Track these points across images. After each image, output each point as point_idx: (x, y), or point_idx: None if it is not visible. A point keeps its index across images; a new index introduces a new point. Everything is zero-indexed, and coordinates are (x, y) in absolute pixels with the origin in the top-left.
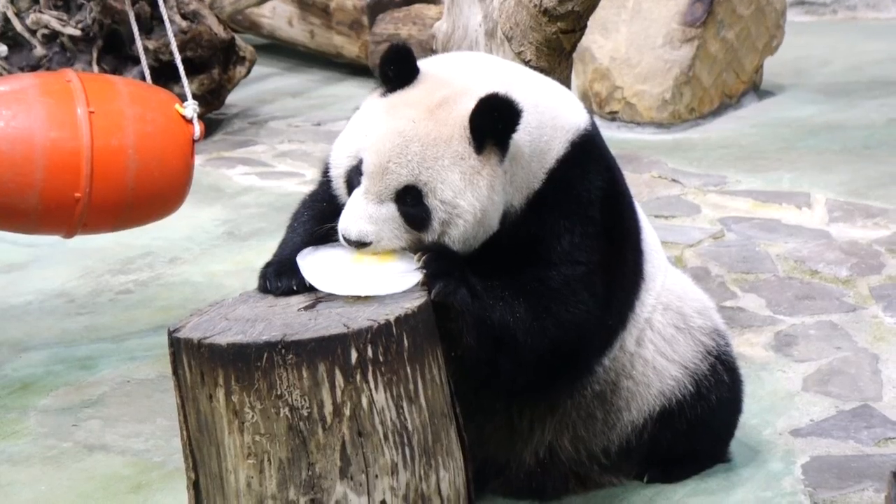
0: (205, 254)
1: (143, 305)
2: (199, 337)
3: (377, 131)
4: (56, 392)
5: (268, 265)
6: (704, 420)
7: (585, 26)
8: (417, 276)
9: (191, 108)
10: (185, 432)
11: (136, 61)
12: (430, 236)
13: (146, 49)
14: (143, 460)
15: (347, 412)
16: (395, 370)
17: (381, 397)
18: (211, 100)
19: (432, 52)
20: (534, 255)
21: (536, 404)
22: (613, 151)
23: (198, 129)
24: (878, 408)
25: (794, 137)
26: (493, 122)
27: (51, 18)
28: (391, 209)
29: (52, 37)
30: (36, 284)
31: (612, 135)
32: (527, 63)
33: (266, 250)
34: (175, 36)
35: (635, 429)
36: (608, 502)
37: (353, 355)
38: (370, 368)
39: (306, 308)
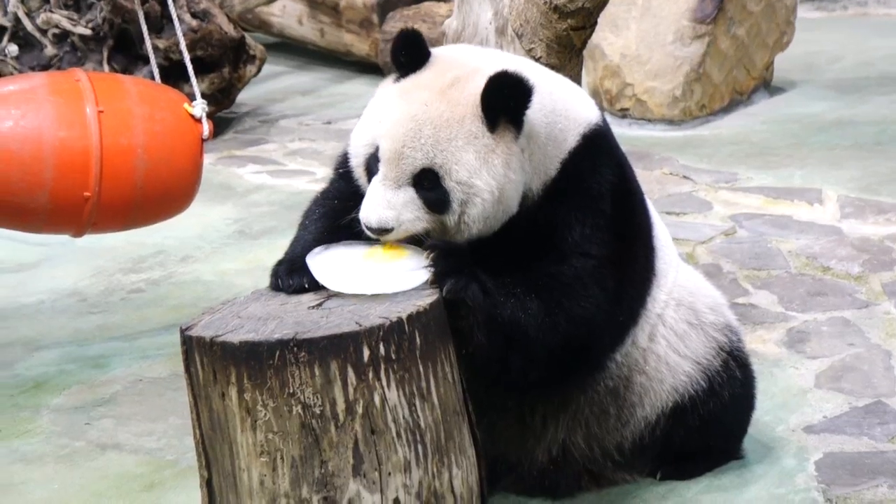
0: (216, 252)
1: (155, 304)
2: (211, 335)
3: (391, 117)
4: (69, 391)
5: (279, 263)
6: (717, 416)
7: (596, 23)
8: (427, 274)
9: (200, 108)
10: (197, 430)
11: (147, 60)
12: (450, 218)
13: (156, 48)
14: (155, 459)
15: (360, 410)
16: (408, 368)
17: (393, 395)
18: (221, 99)
19: None
20: (545, 247)
21: (549, 401)
22: (624, 148)
23: (207, 128)
24: (892, 404)
25: (805, 134)
26: (505, 98)
27: (61, 18)
28: (409, 193)
29: (62, 36)
30: (48, 283)
31: (622, 132)
32: (537, 60)
33: (277, 248)
34: (185, 35)
35: (648, 425)
36: (621, 499)
37: (366, 353)
38: (382, 366)
39: (318, 306)
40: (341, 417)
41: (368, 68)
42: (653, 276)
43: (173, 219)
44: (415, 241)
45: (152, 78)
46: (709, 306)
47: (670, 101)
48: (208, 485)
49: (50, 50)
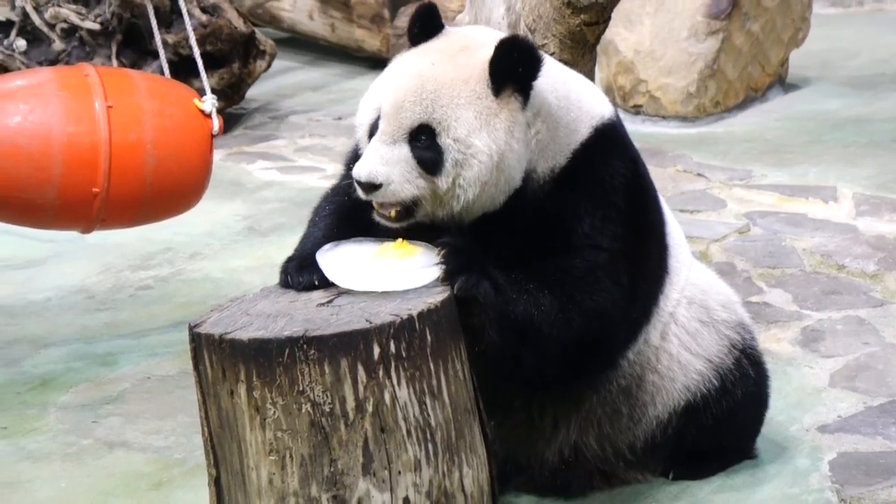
0: (225, 249)
1: (164, 301)
2: (220, 332)
3: (397, 76)
4: (76, 388)
5: (289, 260)
6: (730, 415)
7: (609, 19)
8: (438, 272)
9: (209, 103)
10: (206, 428)
11: (156, 55)
12: (443, 180)
13: (165, 43)
14: (163, 457)
15: (370, 408)
16: (418, 366)
17: (403, 393)
18: (231, 94)
19: None
20: (556, 239)
21: (561, 402)
22: (638, 145)
23: (216, 123)
24: None
25: (820, 131)
26: (513, 64)
27: (70, 12)
28: (404, 150)
29: (70, 31)
30: (55, 280)
31: (636, 129)
32: (550, 56)
33: (287, 245)
34: (195, 30)
35: (660, 424)
36: (633, 499)
37: (376, 350)
38: (393, 364)
39: (328, 303)
40: (351, 415)
41: (379, 64)
42: (666, 274)
43: (182, 215)
44: (426, 237)
45: (162, 73)
46: (721, 304)
47: (684, 97)
48: (216, 483)
49: (58, 45)
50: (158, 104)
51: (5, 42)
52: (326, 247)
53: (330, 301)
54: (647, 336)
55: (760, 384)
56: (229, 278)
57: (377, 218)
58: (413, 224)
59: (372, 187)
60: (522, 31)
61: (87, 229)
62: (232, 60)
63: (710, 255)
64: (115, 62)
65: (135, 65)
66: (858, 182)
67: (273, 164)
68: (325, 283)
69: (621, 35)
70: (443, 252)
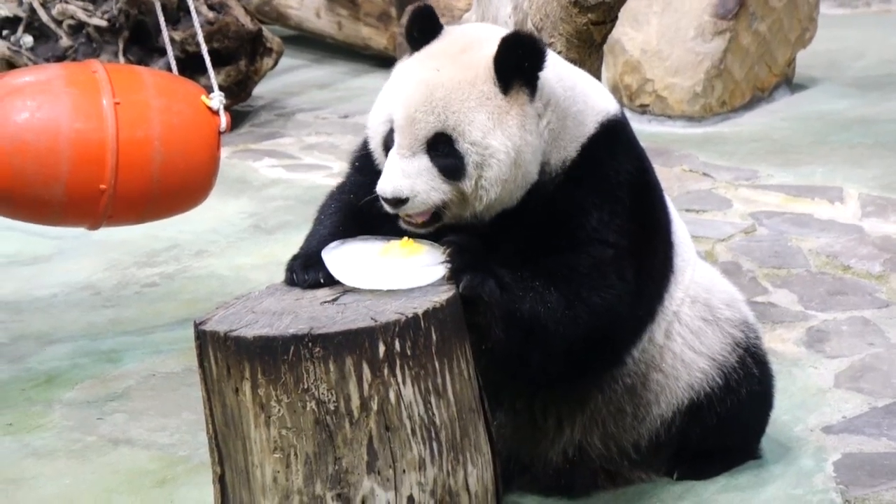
0: (231, 247)
1: (169, 298)
2: (225, 330)
3: (404, 86)
4: (81, 385)
5: (294, 258)
6: (734, 414)
7: (616, 18)
8: (444, 270)
9: (217, 100)
10: (210, 426)
11: (163, 52)
12: (467, 183)
13: (173, 40)
14: (168, 454)
15: (375, 406)
16: (423, 364)
17: (408, 391)
18: (237, 91)
19: None
20: (562, 234)
21: (565, 401)
22: (644, 145)
23: (224, 120)
24: None
25: (826, 131)
26: (519, 59)
27: (77, 9)
28: (424, 161)
29: (77, 28)
30: (61, 277)
31: (642, 128)
32: (557, 55)
33: (293, 243)
34: (202, 27)
35: (664, 422)
36: (638, 499)
37: (381, 349)
38: (398, 362)
39: (333, 301)
40: (356, 414)
41: (386, 62)
42: (671, 273)
43: (188, 212)
44: (431, 236)
45: (169, 70)
46: (725, 302)
47: (691, 97)
48: (221, 481)
49: (65, 41)
50: (166, 101)
51: (12, 38)
52: (332, 245)
53: (335, 299)
54: (652, 335)
55: (765, 383)
56: (235, 276)
57: (403, 226)
58: (439, 227)
59: (399, 202)
60: (529, 30)
61: (94, 226)
62: (239, 58)
63: (716, 255)
64: (122, 59)
65: (142, 62)
66: (864, 183)
67: (279, 161)
68: (331, 281)
69: (628, 34)
70: (448, 251)
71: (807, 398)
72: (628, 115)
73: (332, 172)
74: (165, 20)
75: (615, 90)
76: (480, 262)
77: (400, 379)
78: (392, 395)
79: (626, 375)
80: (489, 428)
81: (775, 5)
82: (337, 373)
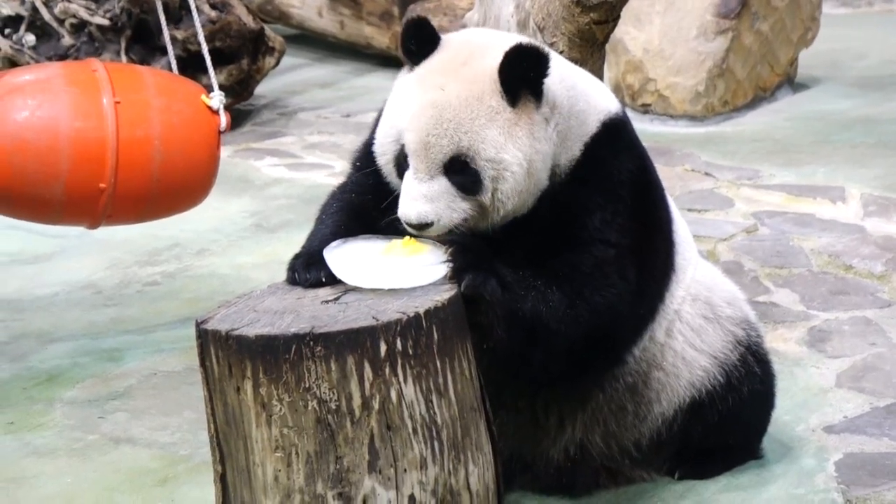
0: (233, 246)
1: (171, 297)
2: (226, 329)
3: (411, 108)
4: (82, 384)
5: (296, 257)
6: (736, 412)
7: (618, 17)
8: (445, 269)
9: (217, 99)
10: (212, 425)
11: (165, 51)
12: (485, 195)
13: (174, 39)
14: (169, 453)
15: (376, 405)
16: (425, 363)
17: (410, 391)
18: (239, 91)
19: None
20: (565, 234)
21: (566, 400)
22: (646, 144)
23: (224, 120)
24: None
25: (828, 131)
26: (524, 71)
27: (79, 8)
28: (443, 183)
29: (80, 26)
30: (62, 275)
31: (644, 127)
32: (559, 54)
33: (294, 242)
34: (203, 26)
35: (665, 421)
36: (639, 498)
37: (382, 348)
38: (399, 361)
39: (335, 300)
40: (357, 413)
41: (388, 61)
42: (672, 272)
43: (189, 211)
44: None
45: (170, 69)
46: (725, 300)
47: (693, 96)
48: (222, 480)
49: (67, 40)
50: (166, 100)
51: (14, 37)
52: (334, 244)
53: (337, 298)
54: (653, 333)
55: (766, 382)
56: (236, 275)
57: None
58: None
59: (423, 226)
60: (531, 29)
61: (93, 225)
62: (241, 57)
63: (718, 255)
64: (123, 58)
65: (143, 61)
66: (866, 182)
67: (281, 160)
68: (333, 281)
69: (630, 34)
70: (450, 250)
71: (808, 398)
72: (630, 114)
73: (333, 171)
74: (167, 19)
75: (617, 90)
76: (482, 261)
77: (401, 378)
78: (393, 395)
79: (627, 374)
80: (490, 427)
81: (778, 5)
82: (338, 372)
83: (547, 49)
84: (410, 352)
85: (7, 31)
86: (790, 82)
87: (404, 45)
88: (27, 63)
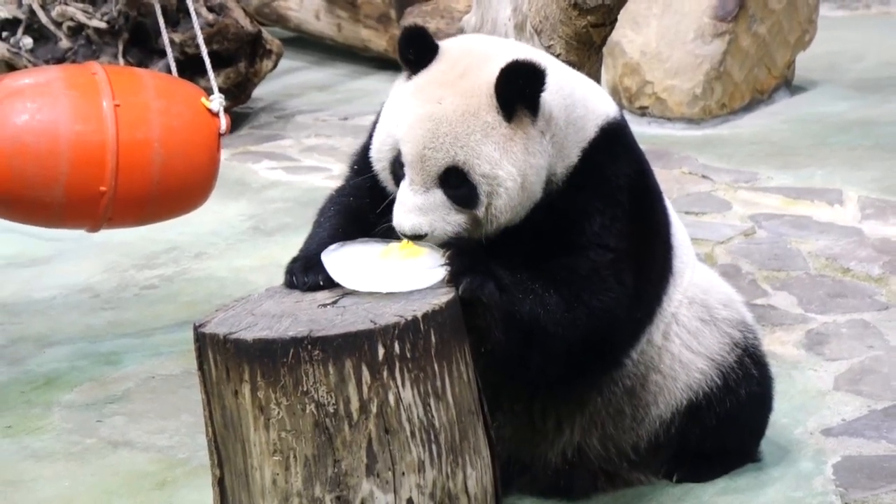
0: (230, 249)
1: (168, 300)
2: (224, 332)
3: (408, 119)
4: (80, 387)
5: (294, 260)
6: (733, 415)
7: (616, 20)
8: (443, 273)
9: (217, 102)
10: (210, 428)
11: (163, 54)
12: (480, 209)
13: (172, 42)
14: (167, 457)
15: (374, 409)
16: (423, 367)
17: (408, 394)
18: (237, 93)
19: None
20: (563, 238)
21: (564, 403)
22: (643, 147)
23: (224, 122)
24: None
25: (826, 133)
26: (520, 87)
27: (76, 11)
28: (438, 195)
29: (77, 29)
30: (60, 279)
31: (642, 130)
32: (556, 57)
33: (292, 245)
34: (201, 29)
35: (663, 423)
36: (637, 501)
37: (380, 351)
38: (397, 365)
39: (333, 304)
40: (355, 416)
41: (386, 64)
42: (670, 275)
43: (188, 214)
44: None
45: (168, 72)
46: (722, 303)
47: (690, 99)
48: (220, 483)
49: (65, 43)
50: (166, 103)
51: (12, 40)
52: (332, 247)
53: (335, 301)
54: (651, 336)
55: (764, 384)
56: (234, 278)
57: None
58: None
59: (417, 237)
60: (529, 32)
61: (93, 228)
62: (238, 60)
63: (715, 258)
64: (121, 61)
65: (141, 63)
66: (864, 185)
67: (279, 163)
68: (330, 284)
69: (627, 37)
70: (448, 253)
71: (806, 401)
72: (628, 117)
73: (331, 174)
74: (165, 22)
75: (615, 92)
76: (480, 264)
77: (399, 381)
78: (391, 398)
79: (625, 377)
80: (488, 430)
81: (775, 7)
82: (336, 375)
83: (543, 63)
84: (408, 355)
85: (4, 34)
86: (787, 85)
87: (402, 53)
88: (24, 66)
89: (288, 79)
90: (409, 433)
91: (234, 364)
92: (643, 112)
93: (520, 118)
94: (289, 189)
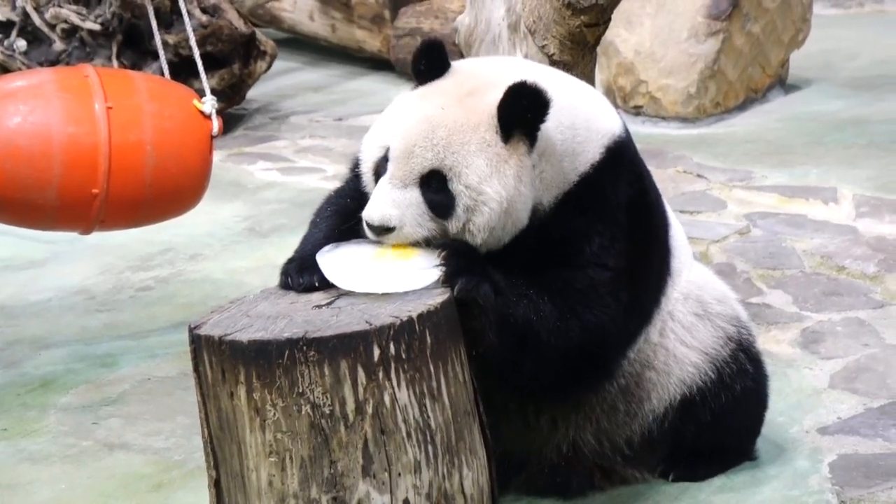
0: (225, 250)
1: (164, 302)
2: (220, 334)
3: (406, 118)
4: (76, 390)
5: (289, 261)
6: (729, 412)
7: (609, 20)
8: (438, 273)
9: (209, 104)
10: (206, 430)
11: (156, 56)
12: (454, 224)
13: (166, 44)
14: (163, 459)
15: (370, 410)
16: (418, 367)
17: (403, 395)
18: (231, 95)
19: (454, 45)
20: (561, 257)
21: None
22: (638, 146)
23: (216, 124)
24: None
25: (820, 132)
26: (522, 110)
27: (70, 13)
28: (415, 194)
29: (71, 31)
30: (56, 281)
31: (636, 129)
32: (550, 57)
33: (287, 246)
34: (195, 30)
35: (657, 418)
36: (633, 499)
37: (376, 352)
38: (393, 366)
39: (328, 304)
40: (351, 417)
41: (380, 64)
42: (668, 277)
43: (182, 216)
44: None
45: (162, 74)
46: (716, 298)
47: (684, 98)
48: (216, 485)
49: (58, 45)
50: (158, 105)
51: (6, 42)
52: (326, 248)
53: (330, 302)
54: (647, 335)
55: (758, 380)
56: (229, 279)
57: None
58: None
59: (385, 230)
60: (522, 32)
61: (86, 230)
62: (232, 61)
63: (711, 256)
64: (115, 63)
65: (135, 65)
66: (859, 183)
67: (273, 164)
68: (326, 285)
69: (621, 36)
70: (443, 254)
71: (802, 399)
72: (622, 116)
73: (326, 175)
74: (158, 24)
75: (609, 92)
76: (476, 266)
77: (395, 382)
78: (387, 399)
79: (620, 376)
80: (484, 430)
81: (769, 6)
82: (332, 376)
83: (550, 94)
84: (404, 356)
85: None
86: (782, 83)
87: (415, 63)
88: (18, 68)
89: (282, 80)
90: (404, 434)
91: (230, 365)
92: (637, 111)
93: (517, 143)
94: (284, 190)
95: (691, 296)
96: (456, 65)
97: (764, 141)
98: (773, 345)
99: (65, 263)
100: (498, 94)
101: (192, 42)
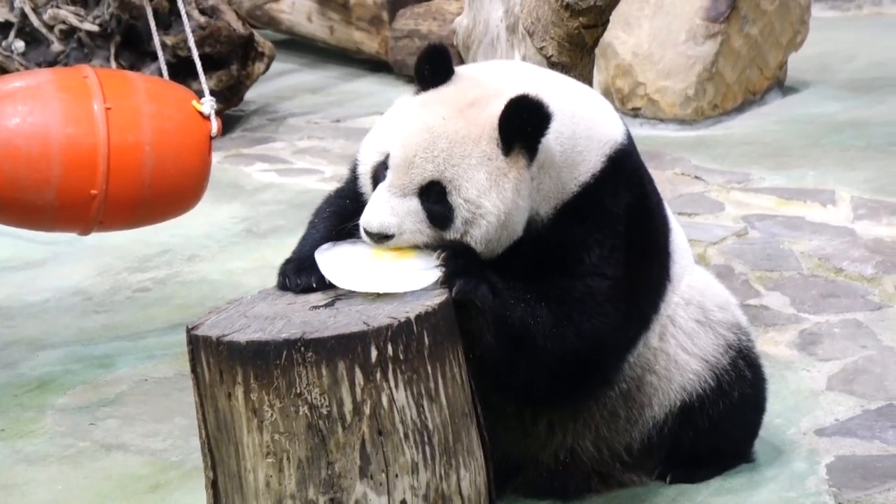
0: (223, 251)
1: (161, 303)
2: (217, 335)
3: (406, 126)
4: (73, 391)
5: (287, 262)
6: (727, 417)
7: (608, 21)
8: (437, 274)
9: (208, 105)
10: (203, 431)
11: (155, 57)
12: (451, 235)
13: (164, 45)
14: (160, 460)
15: (367, 411)
16: (416, 368)
17: (401, 396)
18: (229, 96)
19: (452, 47)
20: (559, 266)
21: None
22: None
23: (215, 125)
24: None
25: (818, 134)
26: (522, 124)
27: (68, 14)
28: (414, 203)
29: (69, 32)
30: (53, 282)
31: (634, 131)
32: (548, 58)
33: (285, 247)
34: (193, 32)
35: (657, 424)
36: (631, 502)
37: (374, 353)
38: (390, 367)
39: (326, 305)
40: (348, 418)
41: (378, 66)
42: (668, 282)
43: (180, 217)
44: None
45: (160, 75)
46: (718, 305)
47: (682, 100)
48: (214, 486)
49: (57, 46)
50: (157, 106)
51: (4, 43)
52: (324, 246)
53: (328, 303)
54: (647, 339)
55: (757, 386)
56: (227, 280)
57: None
58: None
59: (383, 238)
60: (521, 34)
61: (85, 231)
62: (230, 62)
63: (708, 258)
64: (113, 64)
65: (133, 66)
66: (856, 185)
67: (271, 166)
68: (324, 285)
69: (620, 38)
70: (442, 255)
71: (799, 401)
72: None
73: (323, 177)
74: (157, 25)
75: (607, 94)
76: (474, 267)
77: (392, 383)
78: (384, 400)
79: (621, 381)
80: (482, 432)
81: (767, 8)
82: (329, 377)
83: (551, 107)
84: (401, 357)
85: None
86: (780, 86)
87: (419, 68)
88: (17, 69)
89: (280, 81)
90: (402, 435)
91: (228, 366)
92: (636, 113)
93: (516, 156)
94: (281, 191)
95: (693, 301)
96: (459, 72)
97: (762, 143)
98: (770, 346)
99: (62, 264)
100: (499, 106)
101: (191, 43)
